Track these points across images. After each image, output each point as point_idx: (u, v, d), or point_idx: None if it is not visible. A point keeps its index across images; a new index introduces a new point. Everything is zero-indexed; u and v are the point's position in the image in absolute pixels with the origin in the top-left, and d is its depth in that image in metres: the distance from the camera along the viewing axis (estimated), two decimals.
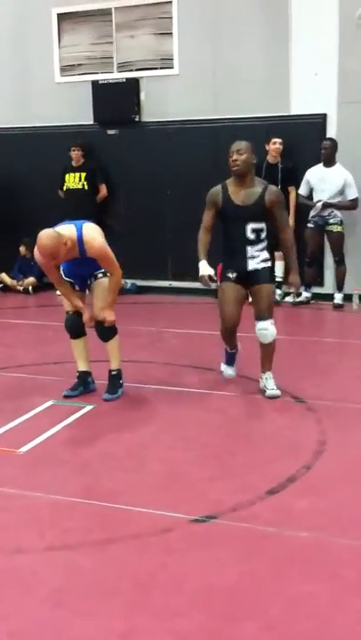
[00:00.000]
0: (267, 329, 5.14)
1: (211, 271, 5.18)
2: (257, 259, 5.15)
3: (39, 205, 9.67)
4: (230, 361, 5.59)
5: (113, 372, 5.27)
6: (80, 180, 9.39)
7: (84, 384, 5.32)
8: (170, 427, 4.77)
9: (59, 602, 2.85)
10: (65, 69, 9.66)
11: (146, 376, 5.81)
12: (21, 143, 9.84)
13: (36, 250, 4.90)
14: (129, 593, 2.90)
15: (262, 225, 5.12)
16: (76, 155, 9.36)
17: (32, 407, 5.05)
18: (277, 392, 5.14)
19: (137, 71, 9.33)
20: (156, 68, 9.26)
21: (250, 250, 5.13)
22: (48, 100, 9.68)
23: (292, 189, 8.52)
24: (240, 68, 8.81)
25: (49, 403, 5.15)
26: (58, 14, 9.55)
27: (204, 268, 5.17)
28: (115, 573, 3.04)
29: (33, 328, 6.60)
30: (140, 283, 9.59)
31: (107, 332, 5.20)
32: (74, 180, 9.42)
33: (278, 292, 8.64)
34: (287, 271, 5.53)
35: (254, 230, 5.10)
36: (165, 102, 9.18)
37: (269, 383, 5.20)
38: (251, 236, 5.11)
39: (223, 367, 5.61)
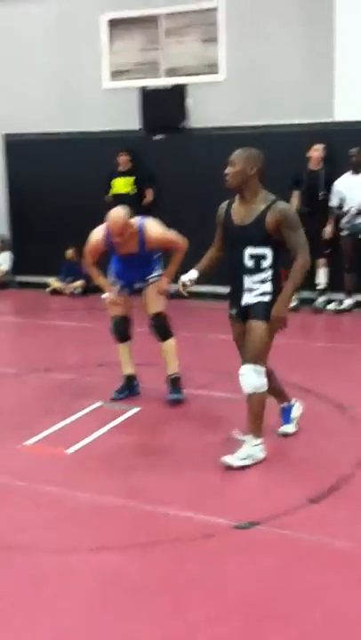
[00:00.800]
0: (243, 374, 4.26)
1: (186, 278, 4.57)
2: (254, 292, 4.28)
3: (85, 210, 9.79)
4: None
5: (173, 376, 5.33)
6: (127, 185, 9.53)
7: (129, 387, 5.42)
8: (211, 432, 4.82)
9: (97, 604, 2.92)
10: (114, 75, 9.80)
11: (188, 381, 5.87)
12: (68, 148, 10.00)
13: (90, 238, 5.18)
14: (169, 597, 2.96)
15: (264, 251, 4.19)
16: (123, 160, 9.49)
17: (79, 408, 5.17)
18: (239, 462, 4.14)
19: (184, 77, 9.42)
20: (202, 74, 9.34)
21: (247, 281, 4.26)
22: (96, 105, 9.82)
23: None
24: (284, 74, 8.84)
25: (96, 404, 5.27)
26: (108, 20, 9.69)
27: (185, 275, 4.59)
28: (156, 577, 3.11)
29: (79, 330, 6.74)
30: None
31: (163, 330, 5.26)
32: (121, 185, 9.55)
33: (320, 299, 8.66)
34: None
35: (253, 256, 4.21)
36: (211, 108, 9.24)
37: (240, 451, 4.16)
38: (248, 263, 4.22)
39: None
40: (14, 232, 10.64)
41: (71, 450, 4.46)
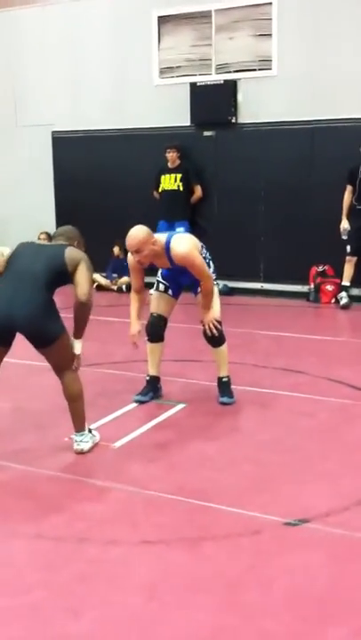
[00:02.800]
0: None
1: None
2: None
3: (134, 207, 9.84)
4: None
5: (224, 379, 5.23)
6: (175, 181, 9.51)
7: (153, 389, 5.29)
8: (260, 428, 4.77)
9: (150, 595, 2.91)
10: (164, 72, 9.79)
11: (237, 377, 5.81)
12: (118, 145, 10.03)
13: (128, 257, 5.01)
14: (218, 591, 2.93)
15: None
16: (171, 156, 9.48)
17: (125, 403, 5.16)
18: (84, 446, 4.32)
19: (235, 73, 9.35)
20: (254, 70, 9.26)
21: None
22: (146, 101, 9.83)
23: None
24: (338, 69, 8.72)
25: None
26: (158, 17, 9.68)
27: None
28: (205, 571, 3.08)
29: (126, 326, 6.66)
30: (231, 284, 9.61)
31: (217, 339, 5.10)
32: (169, 182, 9.54)
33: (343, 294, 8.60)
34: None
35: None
36: (262, 104, 9.18)
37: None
38: None
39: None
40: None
41: (118, 444, 4.45)
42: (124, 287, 9.86)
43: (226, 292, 9.53)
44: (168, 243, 4.77)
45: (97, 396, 5.38)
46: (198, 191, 9.56)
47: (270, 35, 9.09)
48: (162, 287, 5.24)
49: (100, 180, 10.15)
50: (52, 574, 3.07)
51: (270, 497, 3.73)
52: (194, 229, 9.66)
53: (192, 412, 5.06)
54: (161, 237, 4.84)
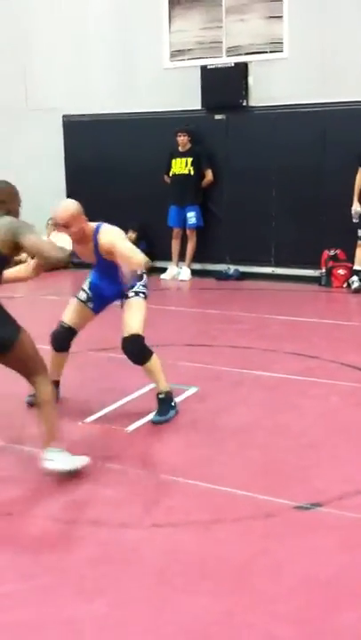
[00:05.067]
0: None
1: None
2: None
3: (145, 191, 9.82)
4: None
5: (160, 396, 4.59)
6: (186, 165, 9.47)
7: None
8: (270, 413, 4.78)
9: (160, 578, 2.93)
10: (174, 55, 9.72)
11: (247, 362, 5.83)
12: (128, 129, 9.97)
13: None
14: (228, 575, 2.94)
15: None
16: (182, 140, 9.43)
17: (137, 388, 5.16)
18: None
19: (246, 55, 9.27)
20: (265, 52, 9.18)
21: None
22: (156, 85, 9.77)
23: None
24: (350, 51, 8.64)
25: (153, 384, 5.25)
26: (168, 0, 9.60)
27: None
28: (216, 554, 3.09)
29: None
30: (242, 269, 9.60)
31: (137, 352, 4.49)
32: (180, 166, 9.51)
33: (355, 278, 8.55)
34: None
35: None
36: (273, 86, 9.10)
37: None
38: None
39: None
40: None
41: (130, 428, 4.46)
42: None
43: (237, 277, 9.54)
44: (98, 227, 4.44)
45: (109, 380, 5.40)
46: (209, 175, 9.52)
47: (281, 17, 9.00)
48: (83, 296, 4.72)
49: (110, 164, 10.11)
50: (64, 557, 3.09)
51: (282, 481, 3.74)
52: (205, 214, 9.65)
53: (203, 397, 5.06)
54: (92, 224, 4.47)
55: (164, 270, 9.73)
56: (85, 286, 4.75)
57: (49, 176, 10.66)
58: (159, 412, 4.57)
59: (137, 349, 4.48)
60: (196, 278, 9.65)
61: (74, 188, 10.51)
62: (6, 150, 10.88)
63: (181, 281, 9.58)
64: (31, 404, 4.72)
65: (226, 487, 3.65)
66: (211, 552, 3.12)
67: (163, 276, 9.68)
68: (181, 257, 9.78)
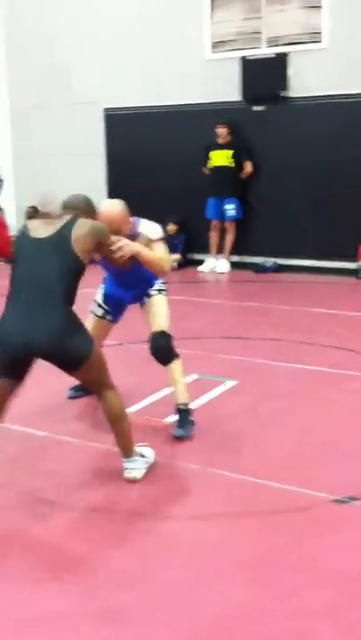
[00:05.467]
0: None
1: None
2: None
3: (184, 183, 9.85)
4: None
5: (182, 407, 4.38)
6: (226, 157, 9.48)
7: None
8: (303, 405, 4.80)
9: (194, 568, 2.98)
10: (215, 46, 9.70)
11: (283, 354, 5.84)
12: (168, 121, 10.00)
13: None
14: (261, 567, 2.97)
15: None
16: (222, 132, 9.44)
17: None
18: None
19: (285, 46, 9.23)
20: (304, 43, 9.12)
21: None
22: (197, 77, 9.77)
23: None
24: None
25: (193, 377, 5.31)
26: None
27: None
28: (248, 546, 3.13)
29: (175, 303, 6.75)
30: (280, 261, 9.59)
31: (166, 349, 4.31)
32: (220, 158, 9.52)
33: None
34: None
35: None
36: (313, 77, 9.04)
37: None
38: None
39: None
40: None
41: (169, 420, 4.52)
42: (173, 265, 9.91)
43: (275, 269, 9.54)
44: (136, 222, 4.22)
45: (148, 373, 5.46)
46: (249, 167, 9.51)
47: (320, 7, 8.93)
48: (100, 312, 4.59)
49: (151, 157, 10.16)
50: (104, 547, 3.16)
51: (317, 473, 3.77)
52: (244, 206, 9.66)
53: (239, 389, 5.10)
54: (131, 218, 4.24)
55: (201, 262, 9.77)
56: (99, 300, 4.59)
57: (90, 169, 10.74)
58: (182, 426, 4.29)
59: (166, 346, 4.34)
60: (234, 270, 9.68)
61: (114, 181, 10.62)
62: (49, 144, 11.02)
63: (219, 273, 9.61)
64: (72, 398, 4.87)
65: (261, 479, 3.70)
66: (243, 544, 3.17)
67: (200, 268, 9.72)
68: (219, 249, 9.80)
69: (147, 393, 4.94)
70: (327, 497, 3.50)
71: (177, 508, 3.48)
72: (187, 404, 4.39)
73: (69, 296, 3.40)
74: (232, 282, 9.34)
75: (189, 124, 9.81)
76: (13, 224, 11.56)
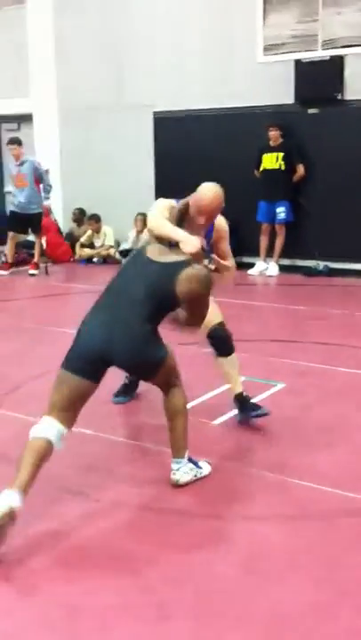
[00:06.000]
0: None
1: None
2: None
3: (235, 186, 9.72)
4: None
5: (244, 394, 4.49)
6: (277, 160, 9.40)
7: (129, 390, 4.89)
8: (358, 410, 4.69)
9: (249, 568, 2.94)
10: (268, 49, 9.63)
11: (334, 359, 5.74)
12: (219, 124, 9.96)
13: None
14: (316, 568, 2.94)
15: None
16: (274, 134, 9.36)
17: (222, 382, 5.16)
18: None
19: (342, 48, 9.11)
20: None
21: None
22: (249, 79, 9.71)
23: None
24: None
25: (242, 379, 5.23)
26: None
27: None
28: (303, 548, 3.08)
29: (224, 305, 6.75)
30: (332, 265, 9.46)
31: (225, 340, 4.40)
32: (271, 160, 9.44)
33: None
34: None
35: None
36: None
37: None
38: None
39: None
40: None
41: (217, 421, 4.48)
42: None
43: (326, 273, 9.41)
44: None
45: (197, 374, 5.41)
46: (301, 170, 9.41)
47: None
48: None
49: (200, 160, 10.10)
50: (154, 544, 3.13)
51: None
52: (295, 209, 9.55)
53: (290, 392, 5.03)
54: None
55: (252, 266, 9.69)
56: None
57: (139, 172, 10.78)
58: (253, 409, 4.41)
59: (226, 337, 4.39)
60: (285, 274, 9.57)
61: (163, 185, 10.58)
62: (98, 146, 11.09)
63: (269, 276, 9.52)
64: (117, 403, 4.80)
65: (313, 483, 3.63)
66: (298, 545, 3.11)
67: (250, 271, 9.64)
68: (270, 252, 9.71)
69: (196, 395, 4.88)
70: None
71: (229, 509, 3.43)
72: (243, 391, 4.43)
73: (155, 318, 3.43)
74: (282, 285, 9.25)
75: (241, 127, 9.75)
76: (60, 226, 11.71)
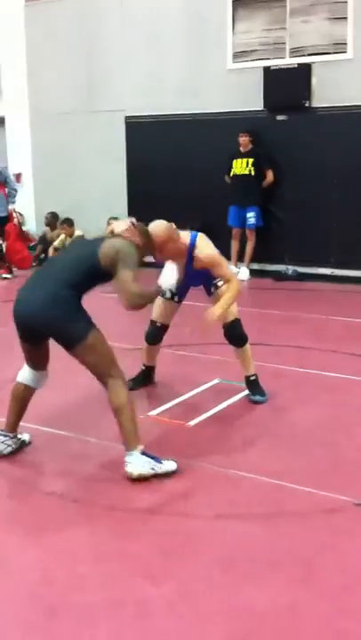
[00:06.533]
0: None
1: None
2: None
3: (206, 192, 9.89)
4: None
5: (252, 378, 4.98)
6: (247, 165, 9.52)
7: (146, 377, 5.22)
8: (333, 412, 4.81)
9: (226, 567, 3.01)
10: (237, 56, 9.76)
11: (307, 361, 5.86)
12: (190, 129, 10.05)
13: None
14: (293, 567, 3.00)
15: None
16: (244, 140, 9.49)
17: (199, 384, 5.26)
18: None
19: (309, 56, 9.27)
20: (329, 53, 9.16)
21: None
22: (219, 86, 9.83)
23: None
24: None
25: (215, 381, 5.35)
26: (233, 1, 9.65)
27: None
28: (279, 547, 3.16)
29: (196, 309, 6.83)
30: (301, 269, 9.61)
31: (240, 334, 4.88)
32: (241, 166, 9.57)
33: None
34: None
35: None
36: (337, 87, 9.07)
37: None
38: None
39: None
40: (135, 215, 10.83)
41: (193, 422, 4.56)
42: None
43: (295, 278, 9.55)
44: (193, 242, 4.55)
45: (171, 376, 5.50)
46: (270, 176, 9.54)
47: (346, 18, 8.97)
48: (168, 294, 4.88)
49: (172, 165, 10.21)
50: (130, 545, 3.19)
51: (345, 479, 3.78)
52: (265, 214, 9.69)
53: (267, 394, 5.12)
54: (185, 235, 4.58)
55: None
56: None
57: (111, 177, 10.83)
58: (259, 393, 4.95)
59: (240, 332, 4.86)
60: (255, 278, 9.70)
61: (135, 189, 10.68)
62: (69, 152, 11.12)
63: (240, 280, 9.61)
64: (132, 389, 4.85)
65: (287, 482, 3.71)
66: (275, 544, 3.19)
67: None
68: (240, 257, 9.83)
69: (173, 396, 4.98)
70: (354, 501, 3.50)
71: (206, 509, 3.49)
72: (255, 374, 4.96)
73: (77, 284, 3.71)
74: (253, 289, 9.36)
75: (211, 133, 9.86)
76: (33, 230, 11.71)
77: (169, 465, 3.78)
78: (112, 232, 3.91)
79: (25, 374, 4.01)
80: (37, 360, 3.97)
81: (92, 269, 3.72)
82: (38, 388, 4.05)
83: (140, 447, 3.74)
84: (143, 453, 3.73)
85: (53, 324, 3.70)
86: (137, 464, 3.68)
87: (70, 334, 3.68)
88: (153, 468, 3.71)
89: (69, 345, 3.72)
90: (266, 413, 4.77)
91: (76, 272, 3.72)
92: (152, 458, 3.74)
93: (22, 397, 4.01)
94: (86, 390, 4.88)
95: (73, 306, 3.71)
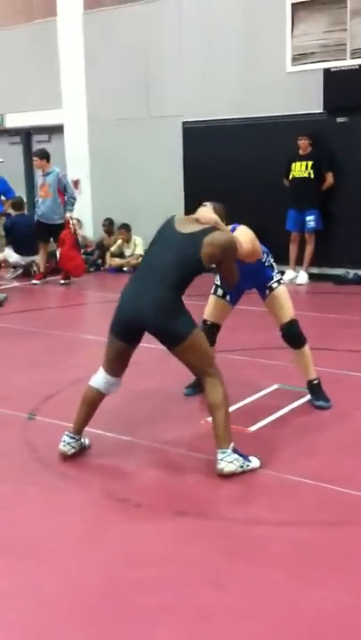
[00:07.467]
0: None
1: None
2: None
3: (264, 195, 9.83)
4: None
5: (315, 382, 4.90)
6: (306, 168, 9.43)
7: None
8: None
9: (290, 571, 2.97)
10: (297, 58, 9.68)
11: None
12: (248, 133, 10.03)
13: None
14: (357, 571, 2.96)
15: None
16: (303, 143, 9.40)
17: (258, 389, 5.21)
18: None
19: None
20: None
21: None
22: (278, 89, 9.77)
23: None
24: None
25: (274, 386, 5.28)
26: (292, 3, 9.58)
27: None
28: (343, 552, 3.11)
29: (255, 314, 6.76)
30: None
31: (298, 335, 4.81)
32: (300, 169, 9.48)
33: None
34: None
35: None
36: None
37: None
38: None
39: None
40: None
41: (253, 428, 4.51)
42: None
43: (356, 281, 9.40)
44: (233, 229, 4.42)
45: (231, 382, 5.44)
46: (330, 178, 9.43)
47: None
48: (220, 292, 4.89)
49: (229, 170, 10.18)
50: (195, 549, 3.17)
51: None
52: (324, 217, 9.56)
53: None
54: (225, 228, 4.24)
55: (281, 274, 9.68)
56: (218, 282, 4.87)
57: (168, 182, 10.87)
58: (323, 398, 4.85)
59: (298, 333, 4.79)
60: (314, 282, 9.58)
61: (192, 194, 10.64)
62: (127, 157, 11.19)
63: (299, 285, 9.53)
64: (187, 395, 5.04)
65: (351, 490, 3.64)
66: (338, 550, 3.14)
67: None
68: (299, 261, 9.73)
69: (231, 402, 4.91)
70: None
71: (270, 514, 3.45)
72: (317, 378, 4.87)
73: (180, 286, 3.82)
74: (312, 293, 9.26)
75: (270, 136, 9.81)
76: (90, 236, 11.82)
77: (255, 462, 3.88)
78: (197, 220, 3.93)
79: (99, 380, 4.03)
80: (121, 364, 3.98)
81: (196, 271, 3.85)
82: (109, 394, 4.08)
83: (232, 445, 3.81)
84: (234, 451, 3.82)
85: (161, 327, 3.80)
86: (227, 461, 3.77)
87: (174, 335, 3.80)
88: (242, 466, 3.81)
89: (172, 344, 3.83)
90: (328, 419, 4.69)
91: (180, 275, 3.81)
92: (242, 456, 3.84)
93: (93, 402, 4.06)
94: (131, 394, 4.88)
95: (178, 307, 3.83)
